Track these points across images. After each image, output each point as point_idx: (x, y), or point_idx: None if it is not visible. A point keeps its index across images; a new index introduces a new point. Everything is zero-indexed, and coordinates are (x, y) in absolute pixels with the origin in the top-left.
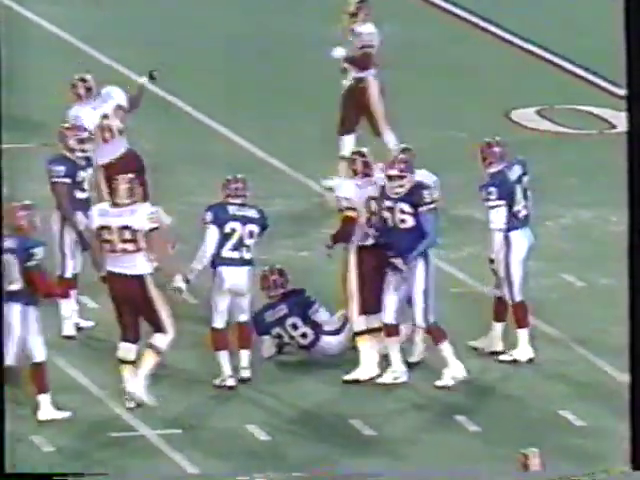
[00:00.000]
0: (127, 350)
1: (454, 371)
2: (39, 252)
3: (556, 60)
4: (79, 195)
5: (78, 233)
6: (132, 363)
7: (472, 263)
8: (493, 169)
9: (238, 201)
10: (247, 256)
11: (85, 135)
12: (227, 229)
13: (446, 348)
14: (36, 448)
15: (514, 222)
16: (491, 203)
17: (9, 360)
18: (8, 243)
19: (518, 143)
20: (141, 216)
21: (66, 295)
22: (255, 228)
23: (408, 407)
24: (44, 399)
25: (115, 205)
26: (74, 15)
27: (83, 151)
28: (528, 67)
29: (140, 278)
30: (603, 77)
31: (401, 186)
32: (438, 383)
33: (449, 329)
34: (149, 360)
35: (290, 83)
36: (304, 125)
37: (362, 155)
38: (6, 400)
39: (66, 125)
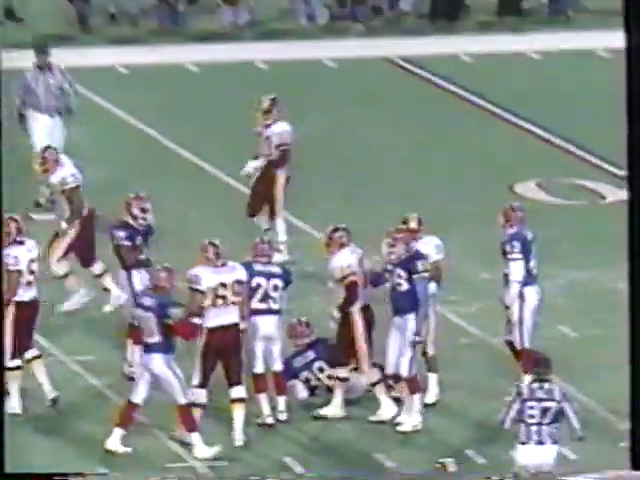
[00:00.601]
0: (202, 395)
1: (413, 421)
2: (177, 312)
3: (551, 138)
4: (138, 256)
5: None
6: (203, 406)
7: (480, 317)
8: (513, 230)
9: (264, 259)
10: (274, 306)
11: (148, 205)
12: (253, 283)
13: (416, 400)
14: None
15: (528, 278)
16: (513, 256)
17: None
18: (146, 301)
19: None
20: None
21: None
22: (279, 282)
23: (425, 443)
24: (196, 437)
25: (222, 265)
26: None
27: (144, 219)
28: (528, 145)
29: (237, 327)
30: (590, 152)
31: (392, 253)
32: (400, 429)
33: (459, 374)
34: (240, 412)
35: None
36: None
37: (345, 229)
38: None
39: (131, 195)
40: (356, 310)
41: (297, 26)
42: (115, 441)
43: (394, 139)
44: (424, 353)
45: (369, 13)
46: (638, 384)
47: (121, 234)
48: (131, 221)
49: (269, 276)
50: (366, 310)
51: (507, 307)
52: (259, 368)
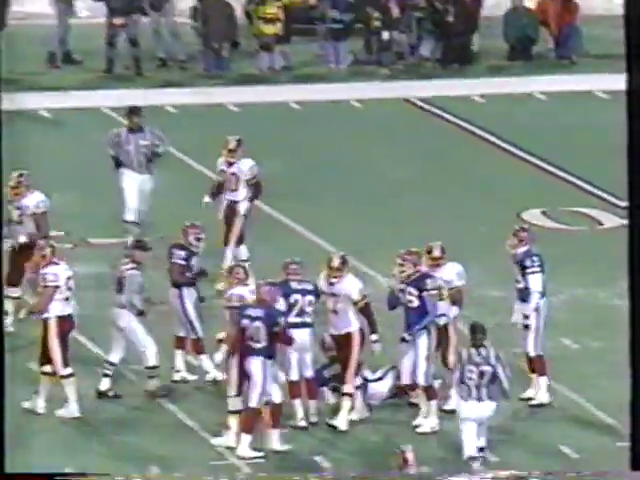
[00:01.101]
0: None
1: (431, 423)
2: (282, 321)
3: (554, 170)
4: (188, 274)
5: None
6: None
7: (494, 331)
8: (527, 247)
9: (297, 277)
10: (308, 320)
11: (202, 234)
12: (291, 300)
13: (433, 405)
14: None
15: (543, 291)
16: (534, 269)
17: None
18: (256, 312)
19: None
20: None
21: (202, 351)
22: (312, 298)
23: (445, 443)
24: (275, 433)
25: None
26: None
27: (197, 247)
28: (534, 177)
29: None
30: (589, 183)
31: (402, 272)
32: (419, 430)
33: None
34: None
35: None
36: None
37: (342, 257)
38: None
39: (187, 224)
40: (357, 330)
41: (327, 70)
42: (245, 448)
43: (412, 172)
44: (445, 364)
45: (393, 58)
46: (638, 385)
47: (179, 253)
48: (187, 246)
49: (304, 293)
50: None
51: (526, 316)
52: (294, 376)
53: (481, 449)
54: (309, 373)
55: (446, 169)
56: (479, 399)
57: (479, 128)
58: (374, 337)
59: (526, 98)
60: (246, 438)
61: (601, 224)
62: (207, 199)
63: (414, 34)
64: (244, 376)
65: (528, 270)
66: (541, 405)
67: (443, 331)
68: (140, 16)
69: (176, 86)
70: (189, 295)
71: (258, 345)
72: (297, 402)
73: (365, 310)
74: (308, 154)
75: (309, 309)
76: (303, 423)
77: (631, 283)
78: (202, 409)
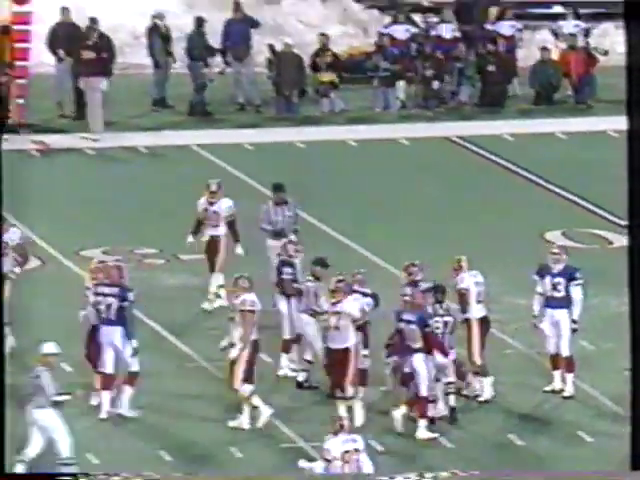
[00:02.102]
0: None
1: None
2: (432, 323)
3: (573, 197)
4: (295, 286)
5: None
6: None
7: (519, 333)
8: (564, 264)
9: (362, 287)
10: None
11: (300, 247)
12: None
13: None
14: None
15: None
16: (579, 281)
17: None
18: (409, 316)
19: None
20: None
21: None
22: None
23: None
24: (423, 423)
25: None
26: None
27: (297, 258)
28: (555, 203)
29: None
30: (602, 208)
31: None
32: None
33: (504, 376)
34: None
35: None
36: None
37: (339, 280)
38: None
39: (285, 240)
40: (354, 344)
41: (378, 113)
42: (422, 430)
43: (451, 199)
44: (472, 362)
45: (436, 103)
46: (638, 386)
47: (287, 270)
48: (290, 260)
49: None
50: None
51: (574, 321)
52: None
53: (448, 383)
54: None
55: (480, 197)
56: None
57: (509, 162)
58: (365, 352)
59: (549, 137)
60: (423, 422)
61: (611, 243)
62: (190, 239)
63: (455, 81)
64: (407, 373)
65: (575, 282)
66: (570, 397)
67: (467, 329)
68: (225, 67)
69: (252, 127)
70: (295, 304)
71: (416, 345)
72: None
73: (363, 327)
74: (361, 185)
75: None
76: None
77: (631, 292)
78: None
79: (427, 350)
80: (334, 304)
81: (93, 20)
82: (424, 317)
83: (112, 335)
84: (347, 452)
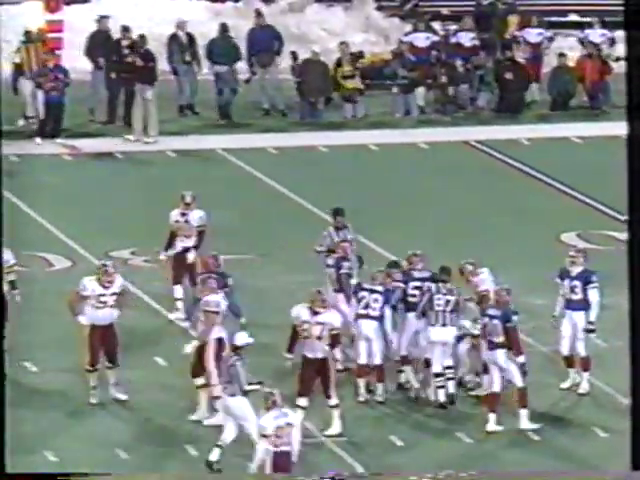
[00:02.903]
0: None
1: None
2: (516, 318)
3: (588, 200)
4: (351, 282)
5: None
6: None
7: (536, 332)
8: (582, 267)
9: (375, 281)
10: (373, 314)
11: (352, 246)
12: (359, 296)
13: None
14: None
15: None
16: (596, 284)
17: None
18: (495, 312)
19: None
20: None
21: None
22: (379, 297)
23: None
24: (524, 412)
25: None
26: None
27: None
28: (571, 205)
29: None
30: (616, 210)
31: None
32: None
33: None
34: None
35: None
36: None
37: (319, 291)
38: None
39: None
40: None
41: (399, 118)
42: (492, 424)
43: (469, 201)
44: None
45: (455, 108)
46: (638, 388)
47: (346, 264)
48: (347, 256)
49: (371, 292)
50: None
51: (590, 322)
52: (362, 359)
53: (447, 367)
54: (377, 360)
55: (498, 200)
56: (444, 324)
57: (526, 166)
58: (338, 357)
59: (565, 141)
60: (524, 412)
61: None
62: (163, 256)
63: (474, 88)
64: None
65: (592, 285)
66: (585, 394)
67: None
68: (251, 75)
69: (276, 131)
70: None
71: (497, 339)
72: (361, 380)
73: (336, 338)
74: (383, 187)
75: (375, 305)
76: (362, 399)
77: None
78: None
79: (509, 346)
80: (316, 314)
81: (126, 28)
82: (508, 313)
83: None
84: (280, 427)
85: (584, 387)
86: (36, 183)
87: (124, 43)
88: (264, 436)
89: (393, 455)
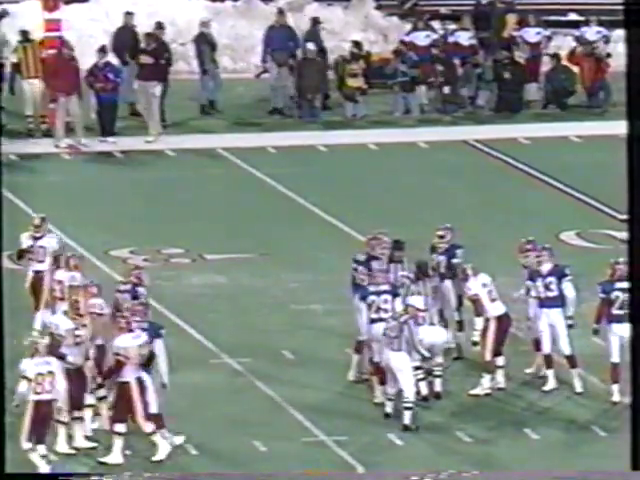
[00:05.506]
0: None
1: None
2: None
3: (587, 199)
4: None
5: None
6: None
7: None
8: (551, 264)
9: (375, 282)
10: (384, 316)
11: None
12: (368, 301)
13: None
14: None
15: None
16: (570, 277)
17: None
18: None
19: (567, 254)
20: None
21: None
22: (389, 297)
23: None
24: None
25: None
26: None
27: (382, 254)
28: (570, 204)
29: None
30: (615, 209)
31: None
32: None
33: (521, 371)
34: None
35: None
36: None
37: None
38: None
39: (369, 236)
40: None
41: (399, 117)
42: (616, 394)
43: (469, 199)
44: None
45: (454, 107)
46: (638, 388)
47: (374, 265)
48: (376, 255)
49: (379, 294)
50: None
51: (570, 317)
52: (376, 358)
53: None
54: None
55: (497, 198)
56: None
57: (524, 165)
58: None
59: (563, 140)
60: (616, 387)
61: (624, 243)
62: (13, 265)
63: (473, 87)
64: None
65: (566, 279)
66: (580, 393)
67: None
68: (262, 72)
69: (276, 130)
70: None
71: (617, 312)
72: (375, 378)
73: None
74: (383, 185)
75: (385, 306)
76: (377, 400)
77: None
78: None
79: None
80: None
81: (160, 25)
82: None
83: None
84: (40, 374)
85: (577, 385)
86: (36, 183)
87: (151, 41)
88: (25, 378)
89: (393, 455)
